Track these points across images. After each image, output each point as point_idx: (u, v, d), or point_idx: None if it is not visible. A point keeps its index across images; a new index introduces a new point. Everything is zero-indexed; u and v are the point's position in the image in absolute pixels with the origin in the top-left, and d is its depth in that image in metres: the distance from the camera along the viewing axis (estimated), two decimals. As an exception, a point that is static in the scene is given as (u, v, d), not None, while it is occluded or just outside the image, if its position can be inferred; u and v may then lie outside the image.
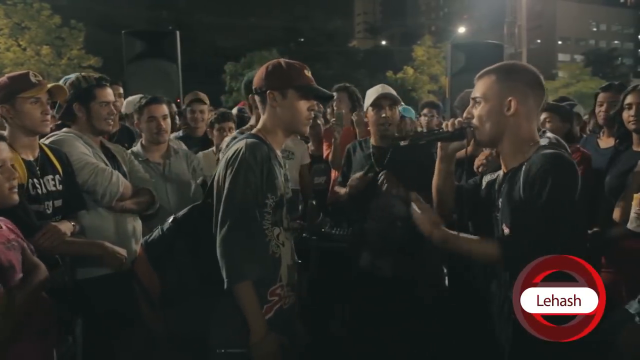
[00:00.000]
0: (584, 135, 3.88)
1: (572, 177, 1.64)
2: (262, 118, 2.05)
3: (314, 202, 4.00)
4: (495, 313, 1.83)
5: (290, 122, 2.01)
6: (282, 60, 2.03)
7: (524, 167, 1.67)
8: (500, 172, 1.84)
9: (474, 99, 1.77)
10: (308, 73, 2.01)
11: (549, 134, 2.50)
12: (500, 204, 1.78)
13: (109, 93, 2.65)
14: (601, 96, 3.49)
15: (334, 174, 3.88)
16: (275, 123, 2.01)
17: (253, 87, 2.05)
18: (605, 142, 3.27)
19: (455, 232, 1.74)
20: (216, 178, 1.96)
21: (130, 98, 4.34)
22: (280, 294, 1.96)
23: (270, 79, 1.98)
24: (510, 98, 1.70)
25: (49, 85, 2.32)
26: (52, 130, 2.74)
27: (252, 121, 3.14)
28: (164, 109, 3.15)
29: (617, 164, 2.83)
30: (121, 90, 4.04)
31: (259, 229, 1.89)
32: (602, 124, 3.40)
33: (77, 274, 2.47)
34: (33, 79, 2.27)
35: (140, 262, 1.99)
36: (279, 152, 2.07)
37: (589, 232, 2.80)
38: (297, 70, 1.99)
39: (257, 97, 2.04)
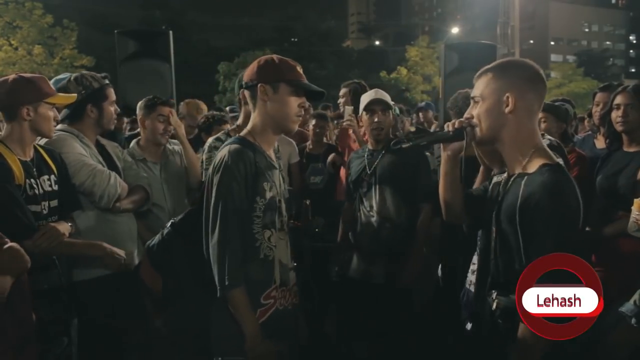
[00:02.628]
0: (577, 136, 3.91)
1: (575, 206, 1.58)
2: (252, 117, 2.03)
3: (307, 202, 4.00)
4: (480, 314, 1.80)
5: (281, 118, 1.97)
6: (275, 56, 2.00)
7: (523, 183, 1.61)
8: (506, 175, 1.80)
9: (473, 98, 1.75)
10: (300, 70, 2.00)
11: (547, 137, 2.51)
12: (499, 206, 1.71)
13: (113, 92, 2.70)
14: (598, 96, 3.52)
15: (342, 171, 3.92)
16: (265, 120, 1.98)
17: (243, 82, 2.03)
18: (602, 142, 3.28)
19: None
20: (206, 184, 1.96)
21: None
22: (275, 296, 1.96)
23: (262, 72, 1.96)
24: (507, 94, 1.65)
25: (67, 100, 2.40)
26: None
27: (239, 120, 3.11)
28: (173, 112, 3.17)
29: (608, 164, 2.85)
30: None
31: (248, 234, 1.90)
32: (598, 123, 3.43)
33: (74, 275, 2.46)
34: (51, 86, 2.33)
35: (144, 265, 2.05)
36: (271, 153, 2.05)
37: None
38: (289, 65, 1.97)
39: (247, 92, 2.01)
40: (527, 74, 1.68)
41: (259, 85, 1.94)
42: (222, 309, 1.87)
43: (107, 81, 2.67)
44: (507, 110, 1.65)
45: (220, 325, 1.91)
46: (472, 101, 1.75)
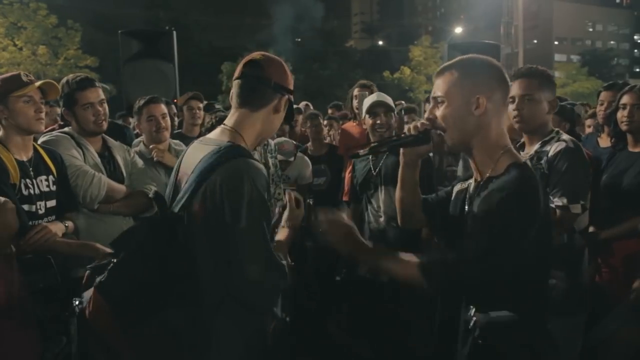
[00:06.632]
0: (582, 135, 3.90)
1: (530, 213, 1.47)
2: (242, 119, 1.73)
3: (310, 202, 3.99)
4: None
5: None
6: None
7: (490, 184, 1.52)
8: (472, 181, 1.67)
9: (435, 98, 1.59)
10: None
11: (564, 136, 2.43)
12: (470, 214, 1.60)
13: (91, 95, 2.58)
14: (603, 95, 3.50)
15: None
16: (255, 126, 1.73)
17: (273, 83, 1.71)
18: (605, 141, 3.27)
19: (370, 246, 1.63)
20: (204, 201, 1.60)
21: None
22: None
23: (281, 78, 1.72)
24: (477, 95, 1.53)
25: (38, 83, 2.31)
26: (59, 128, 2.74)
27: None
28: (162, 108, 3.16)
29: (613, 164, 2.83)
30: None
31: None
32: (601, 122, 3.42)
33: (73, 272, 2.46)
34: (24, 79, 2.28)
35: None
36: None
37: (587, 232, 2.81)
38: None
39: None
40: (494, 73, 1.58)
41: (286, 97, 1.74)
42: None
43: (85, 84, 2.58)
44: (477, 112, 1.54)
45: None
46: (432, 100, 1.61)
